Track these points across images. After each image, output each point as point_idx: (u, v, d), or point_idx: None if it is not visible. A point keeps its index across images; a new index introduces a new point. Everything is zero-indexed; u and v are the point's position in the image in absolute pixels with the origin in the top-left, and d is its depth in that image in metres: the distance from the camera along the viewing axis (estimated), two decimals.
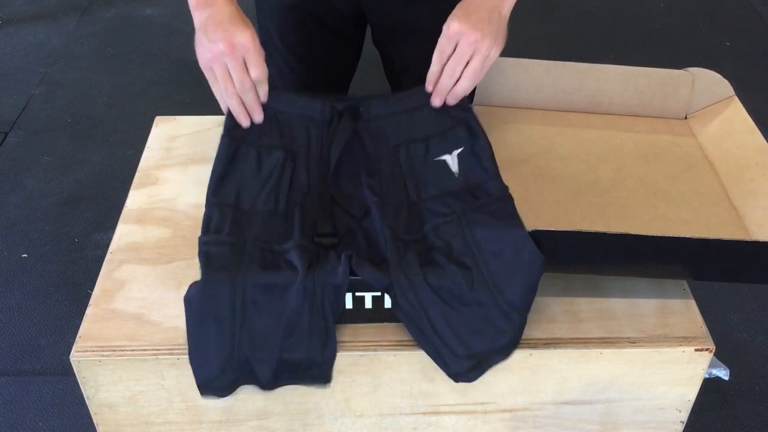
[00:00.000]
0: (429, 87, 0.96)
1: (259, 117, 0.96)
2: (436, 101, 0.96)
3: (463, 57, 0.92)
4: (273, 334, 0.81)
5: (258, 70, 0.92)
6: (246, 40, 0.90)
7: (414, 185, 0.93)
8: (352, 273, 0.82)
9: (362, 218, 0.90)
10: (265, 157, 0.95)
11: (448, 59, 0.93)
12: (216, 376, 0.82)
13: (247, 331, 0.81)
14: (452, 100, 0.96)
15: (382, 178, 0.94)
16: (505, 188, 0.90)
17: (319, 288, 0.81)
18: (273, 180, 0.93)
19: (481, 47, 0.92)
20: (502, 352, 0.84)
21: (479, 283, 0.82)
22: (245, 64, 0.92)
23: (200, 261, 0.84)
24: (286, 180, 0.93)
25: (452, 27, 0.92)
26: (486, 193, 0.90)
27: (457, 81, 0.94)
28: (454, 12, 0.94)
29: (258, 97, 0.95)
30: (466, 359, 0.82)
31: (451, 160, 0.95)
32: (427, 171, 0.94)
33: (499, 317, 0.82)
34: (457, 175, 0.93)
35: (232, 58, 0.91)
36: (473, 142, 0.95)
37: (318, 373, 0.83)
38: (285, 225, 0.89)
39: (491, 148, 0.94)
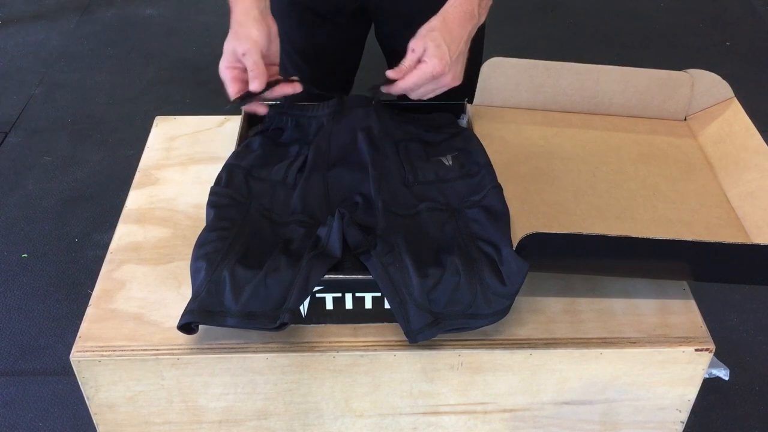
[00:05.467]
0: (390, 75, 0.98)
1: (262, 112, 1.03)
2: (383, 88, 1.00)
3: (433, 92, 0.98)
4: (254, 275, 0.82)
5: (255, 83, 0.97)
6: (245, 50, 0.96)
7: (411, 170, 0.98)
8: (345, 245, 0.86)
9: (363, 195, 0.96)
10: (283, 150, 1.02)
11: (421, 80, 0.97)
12: (191, 300, 0.82)
13: (230, 264, 0.82)
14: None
15: (383, 158, 0.99)
16: (495, 177, 0.94)
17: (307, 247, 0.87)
18: (286, 161, 1.00)
19: (445, 84, 0.97)
20: (470, 318, 0.83)
21: (466, 262, 0.83)
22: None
23: (206, 212, 0.90)
24: (299, 162, 0.99)
25: (436, 67, 0.94)
26: (479, 183, 0.95)
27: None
28: (436, 42, 0.95)
29: (253, 101, 1.00)
30: (428, 313, 0.82)
31: (446, 160, 1.00)
32: (424, 162, 1.00)
33: (477, 296, 0.82)
34: (451, 166, 0.99)
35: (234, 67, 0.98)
36: (468, 146, 1.01)
37: (286, 317, 0.81)
38: (289, 196, 0.95)
39: (482, 146, 1.00)
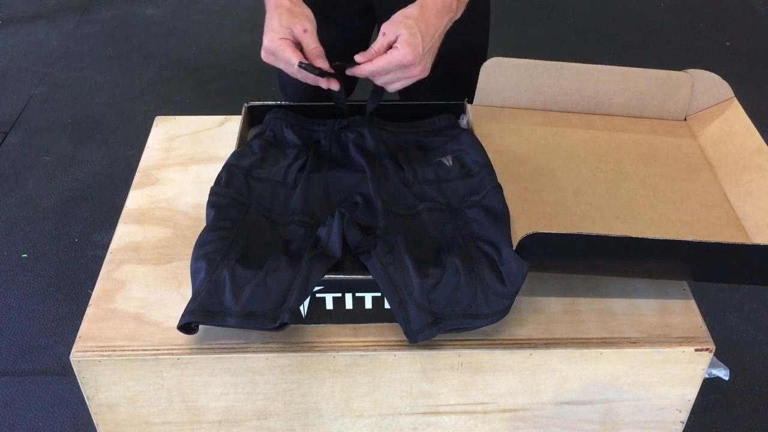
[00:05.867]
0: (358, 58, 0.95)
1: (324, 84, 0.97)
2: (348, 71, 0.97)
3: (400, 82, 0.95)
4: (254, 275, 0.82)
5: (322, 62, 0.95)
6: (307, 28, 0.95)
7: (411, 170, 0.98)
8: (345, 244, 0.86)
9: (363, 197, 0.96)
10: (282, 151, 1.02)
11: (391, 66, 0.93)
12: (191, 300, 0.82)
13: (230, 264, 0.83)
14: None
15: (381, 162, 0.99)
16: (495, 177, 0.94)
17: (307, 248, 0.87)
18: (286, 162, 1.00)
19: (413, 75, 0.94)
20: (470, 318, 0.83)
21: (466, 262, 0.83)
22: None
23: (206, 212, 0.90)
24: (299, 162, 1.00)
25: (407, 56, 0.91)
26: (479, 183, 0.94)
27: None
28: (411, 31, 0.92)
29: (313, 73, 0.96)
30: (428, 313, 0.82)
31: (446, 161, 1.00)
32: (424, 164, 1.00)
33: (477, 296, 0.82)
34: (451, 167, 0.99)
35: (268, 62, 0.96)
36: (468, 147, 1.01)
37: (286, 317, 0.81)
38: (289, 197, 0.95)
39: (482, 146, 1.00)
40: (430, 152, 1.02)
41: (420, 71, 0.93)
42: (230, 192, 0.92)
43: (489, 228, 0.88)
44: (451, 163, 0.99)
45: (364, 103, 1.04)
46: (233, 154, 0.99)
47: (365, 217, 0.91)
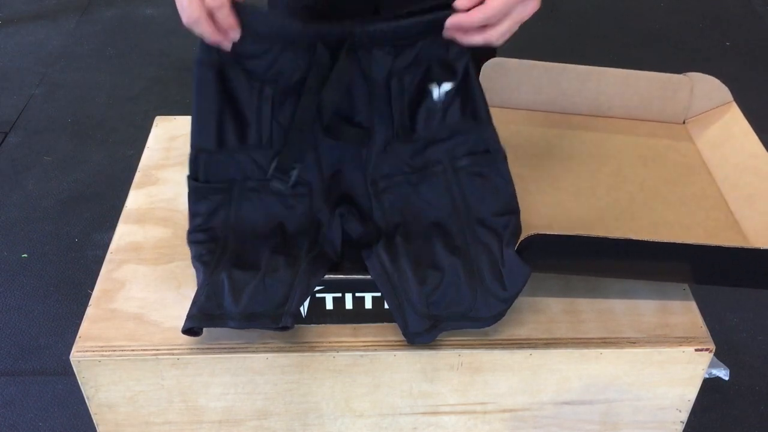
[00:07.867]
0: (461, 4, 0.77)
1: (236, 34, 0.79)
2: (450, 32, 0.80)
3: (516, 25, 0.77)
4: (252, 276, 0.81)
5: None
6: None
7: (402, 129, 0.87)
8: (344, 237, 0.86)
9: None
10: (248, 87, 0.84)
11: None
12: (191, 305, 0.81)
13: (227, 266, 0.82)
14: (465, 41, 0.80)
15: (370, 118, 0.87)
16: (497, 139, 0.86)
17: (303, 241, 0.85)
18: (260, 112, 0.85)
19: (531, 9, 0.77)
20: (469, 321, 0.82)
21: (466, 263, 0.83)
22: None
23: (188, 202, 0.86)
24: (274, 111, 0.85)
25: None
26: (475, 147, 0.87)
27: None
28: None
29: (230, 16, 0.77)
30: (427, 318, 0.81)
31: (437, 93, 0.86)
32: (417, 112, 0.87)
33: (477, 299, 0.82)
34: (442, 114, 0.86)
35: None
36: (464, 84, 0.86)
37: (284, 319, 0.80)
38: (265, 157, 0.86)
39: (483, 93, 0.86)
40: (427, 72, 0.85)
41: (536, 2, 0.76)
42: (210, 186, 0.86)
43: (492, 215, 0.86)
44: (441, 101, 0.85)
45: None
46: (194, 125, 0.84)
47: (360, 220, 0.90)
